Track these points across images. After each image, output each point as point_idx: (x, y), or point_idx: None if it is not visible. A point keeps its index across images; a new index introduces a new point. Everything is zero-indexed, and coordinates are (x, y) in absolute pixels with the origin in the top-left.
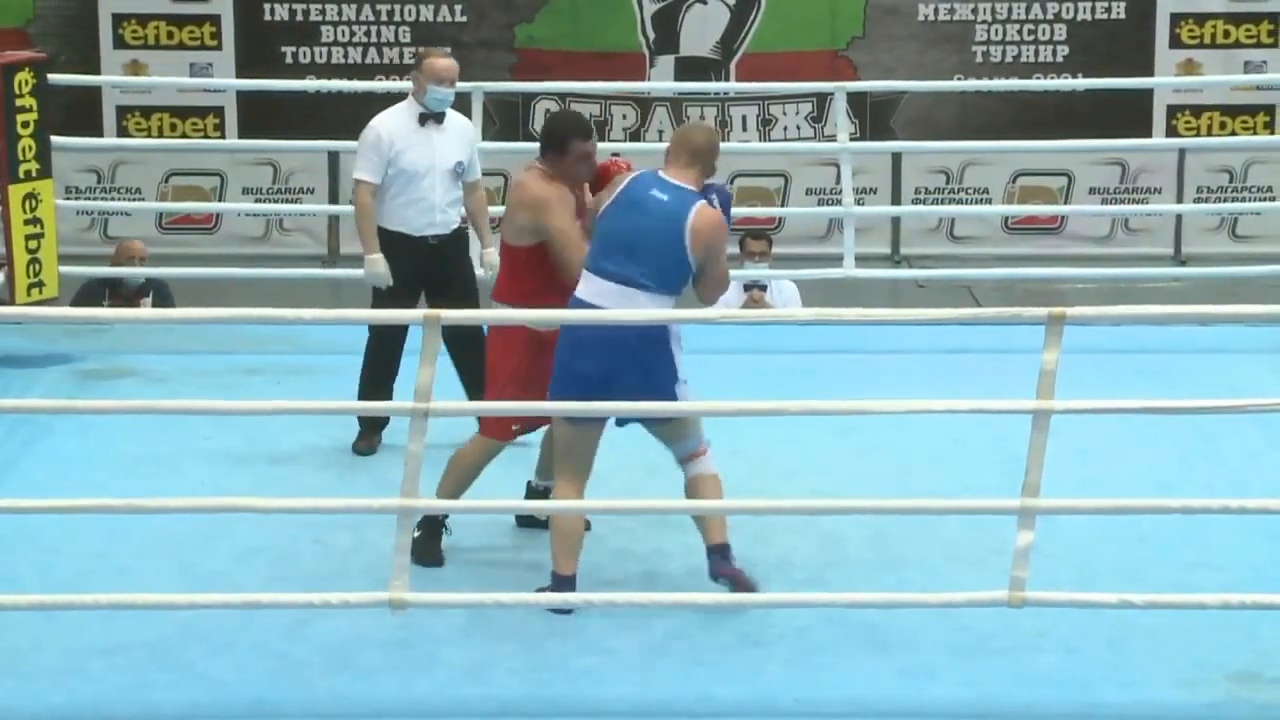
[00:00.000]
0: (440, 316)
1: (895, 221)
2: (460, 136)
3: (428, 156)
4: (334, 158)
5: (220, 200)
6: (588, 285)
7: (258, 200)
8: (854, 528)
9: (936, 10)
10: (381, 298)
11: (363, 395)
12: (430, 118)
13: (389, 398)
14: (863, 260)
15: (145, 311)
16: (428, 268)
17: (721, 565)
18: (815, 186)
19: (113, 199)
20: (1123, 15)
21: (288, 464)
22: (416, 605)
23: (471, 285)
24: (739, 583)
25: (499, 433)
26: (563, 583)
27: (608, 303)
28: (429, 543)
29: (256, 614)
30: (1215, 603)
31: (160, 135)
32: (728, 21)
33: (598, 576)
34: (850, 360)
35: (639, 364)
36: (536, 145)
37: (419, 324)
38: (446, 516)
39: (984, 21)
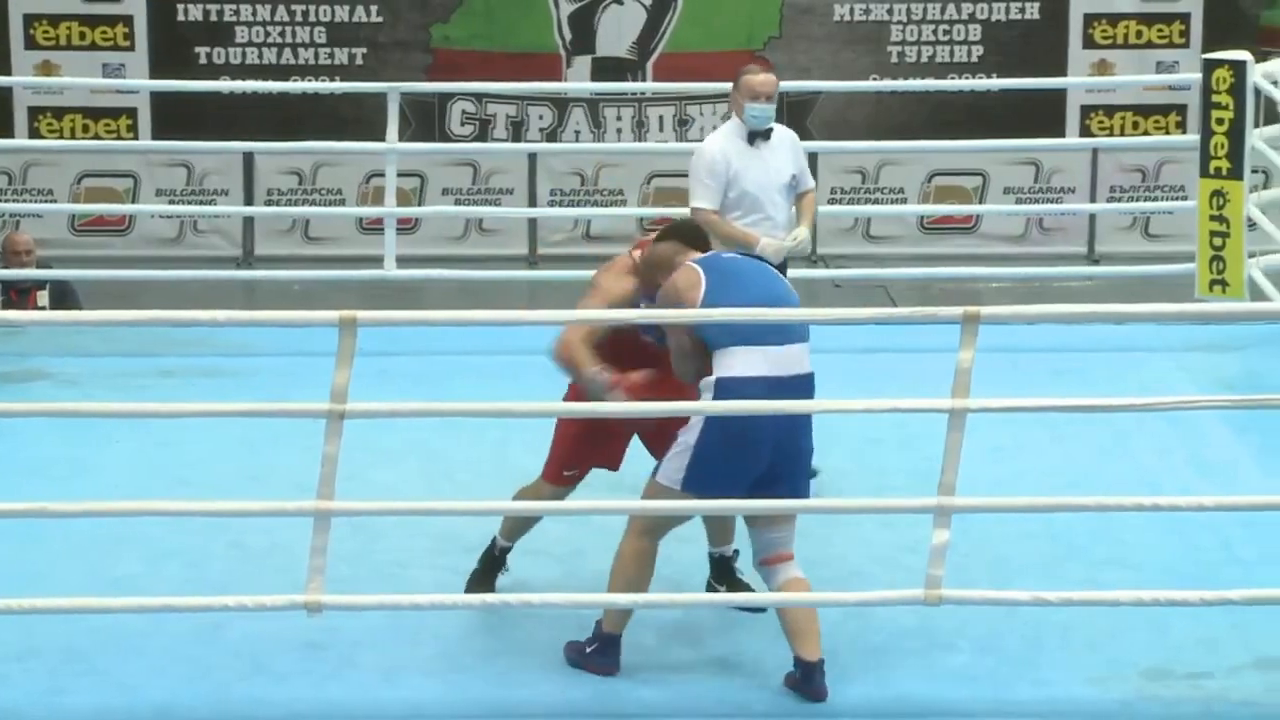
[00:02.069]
0: (356, 318)
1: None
2: (788, 149)
3: (764, 174)
4: (249, 159)
5: (134, 202)
6: (740, 360)
7: (171, 202)
8: None
9: (852, 11)
10: None
11: None
12: (758, 135)
13: None
14: None
15: (58, 315)
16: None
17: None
18: None
19: (24, 200)
20: (1036, 16)
21: (201, 466)
22: (332, 608)
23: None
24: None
25: (550, 476)
26: (609, 642)
27: (797, 369)
28: (484, 577)
29: (170, 617)
30: (1128, 600)
31: (72, 136)
32: (644, 22)
33: (515, 577)
34: None
35: (808, 440)
36: (454, 146)
37: (334, 325)
38: (507, 553)
39: (899, 22)
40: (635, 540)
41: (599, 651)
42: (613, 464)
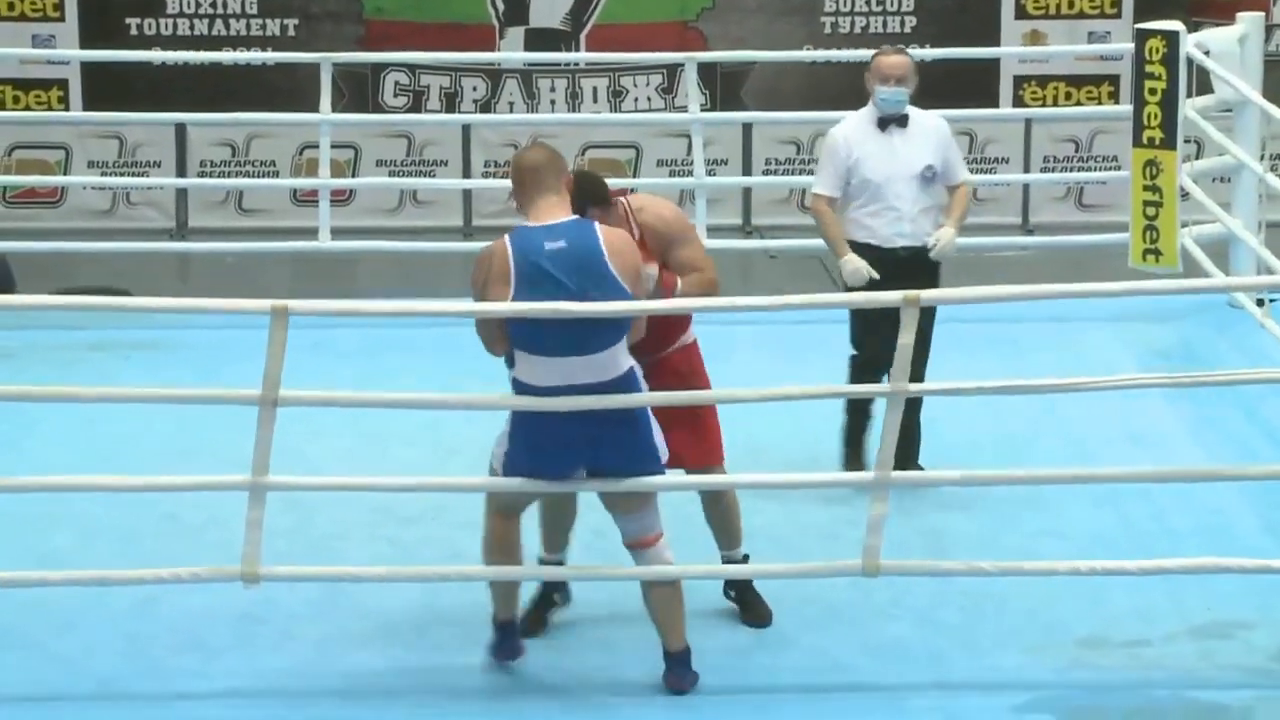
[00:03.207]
0: (287, 308)
1: (746, 192)
2: (929, 138)
3: (890, 162)
4: (181, 130)
5: (65, 174)
6: (536, 369)
7: (104, 173)
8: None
9: None
10: (857, 314)
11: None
12: (891, 121)
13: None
14: (714, 231)
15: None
16: (901, 280)
17: (682, 676)
18: (666, 158)
19: None
20: None
21: (132, 441)
22: (269, 579)
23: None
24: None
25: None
26: (503, 631)
27: (587, 378)
28: (539, 605)
29: (106, 593)
30: (1065, 570)
31: (2, 108)
32: None
33: (453, 549)
34: (704, 330)
35: (619, 444)
36: (388, 117)
37: (267, 313)
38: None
39: None
40: (489, 521)
41: (496, 641)
42: None
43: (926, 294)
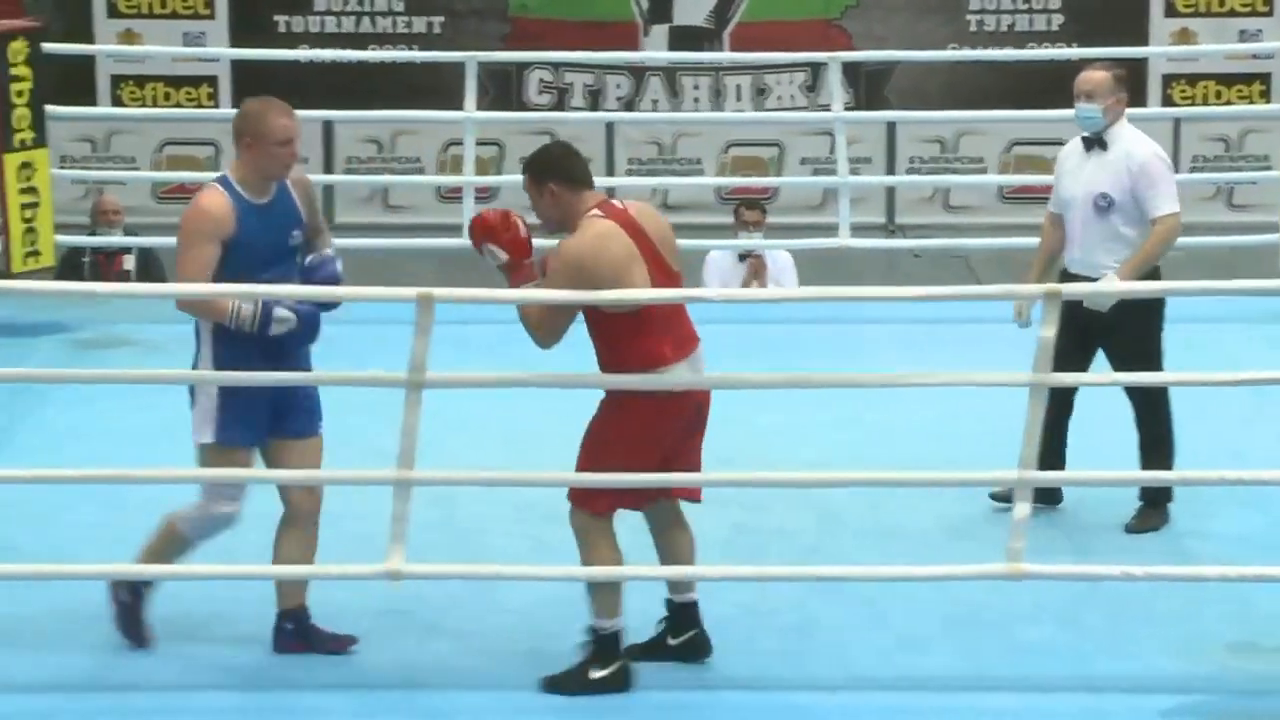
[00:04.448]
0: (432, 296)
1: (890, 191)
2: (1119, 165)
3: (1075, 184)
4: (328, 127)
5: (215, 170)
6: None
7: None
8: (850, 500)
9: None
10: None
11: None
12: (1095, 141)
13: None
14: (858, 230)
15: (140, 286)
16: (1086, 310)
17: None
18: (810, 156)
19: (107, 168)
20: None
21: None
22: (414, 576)
23: (1145, 344)
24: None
25: (587, 504)
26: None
27: None
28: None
29: (248, 586)
30: (1214, 574)
31: (154, 104)
32: None
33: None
34: (844, 330)
35: None
36: (532, 115)
37: (411, 300)
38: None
39: None
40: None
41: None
42: None
43: (1068, 289)
